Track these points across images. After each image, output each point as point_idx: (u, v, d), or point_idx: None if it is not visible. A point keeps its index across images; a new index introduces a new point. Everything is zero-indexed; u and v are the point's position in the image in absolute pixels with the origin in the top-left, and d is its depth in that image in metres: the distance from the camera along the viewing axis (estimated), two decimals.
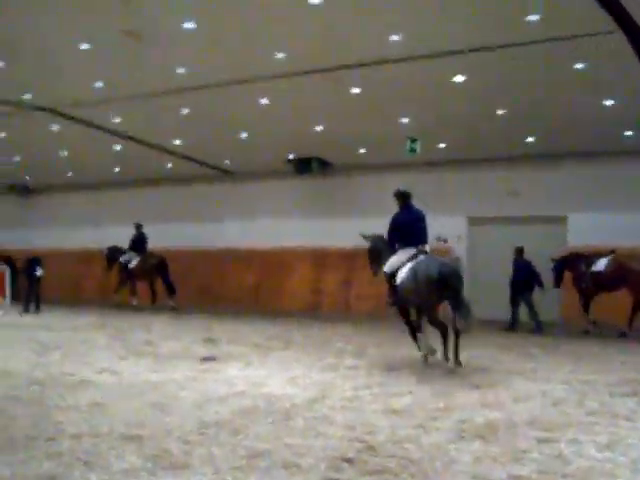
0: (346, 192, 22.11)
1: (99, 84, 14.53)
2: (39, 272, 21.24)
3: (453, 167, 20.45)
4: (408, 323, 11.85)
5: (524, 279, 17.16)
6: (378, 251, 12.09)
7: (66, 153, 21.54)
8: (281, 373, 10.64)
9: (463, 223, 20.46)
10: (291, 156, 21.00)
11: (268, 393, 9.07)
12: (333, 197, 22.36)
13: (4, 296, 22.08)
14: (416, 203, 11.88)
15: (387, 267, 11.74)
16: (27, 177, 26.14)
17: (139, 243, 22.66)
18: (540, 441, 6.83)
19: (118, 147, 20.13)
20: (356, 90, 14.42)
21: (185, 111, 16.30)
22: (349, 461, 6.18)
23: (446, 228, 20.03)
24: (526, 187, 19.93)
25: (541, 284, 17.06)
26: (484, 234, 20.43)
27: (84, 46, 12.31)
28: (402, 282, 11.17)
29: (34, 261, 21.41)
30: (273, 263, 22.95)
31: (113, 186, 25.88)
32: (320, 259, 22.29)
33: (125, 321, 18.50)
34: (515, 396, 8.95)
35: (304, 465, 6.06)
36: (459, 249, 19.98)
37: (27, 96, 15.73)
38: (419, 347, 11.77)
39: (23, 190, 27.68)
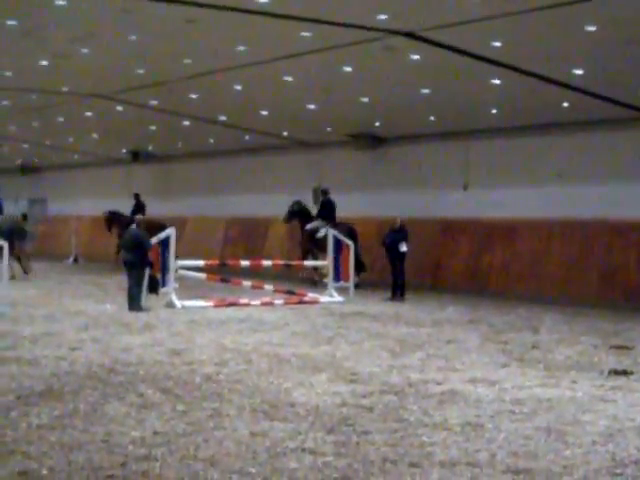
0: None
1: None
2: (403, 247, 22.21)
3: None
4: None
5: None
6: None
7: (428, 91, 22.29)
8: None
9: None
10: None
11: None
12: None
13: (347, 277, 23.16)
14: None
15: None
16: (377, 124, 27.43)
17: (328, 210, 26.21)
18: None
19: (497, 81, 20.38)
20: None
21: (591, 28, 16.04)
22: None
23: None
24: None
25: None
26: None
27: None
28: None
29: (396, 233, 22.38)
30: None
31: (487, 134, 26.18)
32: None
33: (503, 316, 18.91)
34: None
35: None
36: None
37: (381, 17, 16.50)
38: None
39: (371, 140, 29.02)
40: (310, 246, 26.47)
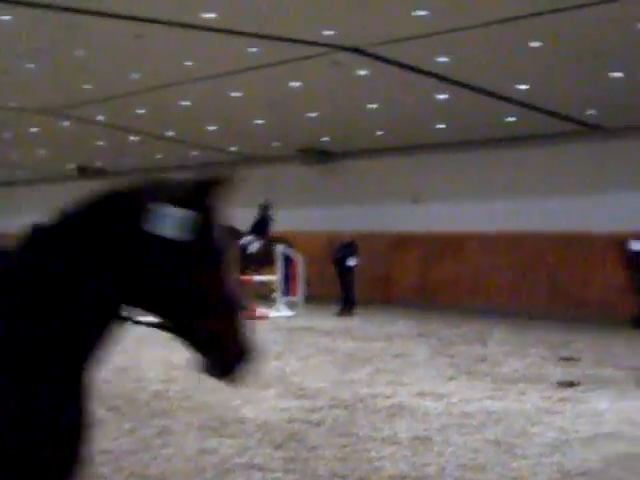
0: None
1: (421, 12, 14.91)
2: (352, 262, 22.42)
3: None
4: None
5: None
6: None
7: (375, 106, 22.39)
8: None
9: None
10: None
11: None
12: None
13: (296, 293, 23.32)
14: None
15: None
16: (325, 139, 27.49)
17: (261, 226, 26.38)
18: None
19: (443, 96, 20.53)
20: None
21: (535, 44, 16.21)
22: None
23: None
24: None
25: None
26: None
27: None
28: None
29: (346, 247, 22.45)
30: None
31: (435, 149, 26.34)
32: None
33: (452, 329, 19.00)
34: None
35: None
36: None
37: (328, 33, 16.55)
38: None
39: (319, 155, 29.10)
40: (245, 263, 26.20)
